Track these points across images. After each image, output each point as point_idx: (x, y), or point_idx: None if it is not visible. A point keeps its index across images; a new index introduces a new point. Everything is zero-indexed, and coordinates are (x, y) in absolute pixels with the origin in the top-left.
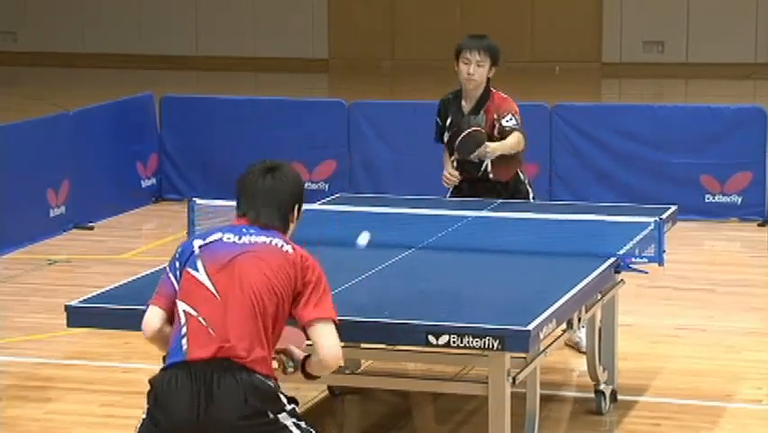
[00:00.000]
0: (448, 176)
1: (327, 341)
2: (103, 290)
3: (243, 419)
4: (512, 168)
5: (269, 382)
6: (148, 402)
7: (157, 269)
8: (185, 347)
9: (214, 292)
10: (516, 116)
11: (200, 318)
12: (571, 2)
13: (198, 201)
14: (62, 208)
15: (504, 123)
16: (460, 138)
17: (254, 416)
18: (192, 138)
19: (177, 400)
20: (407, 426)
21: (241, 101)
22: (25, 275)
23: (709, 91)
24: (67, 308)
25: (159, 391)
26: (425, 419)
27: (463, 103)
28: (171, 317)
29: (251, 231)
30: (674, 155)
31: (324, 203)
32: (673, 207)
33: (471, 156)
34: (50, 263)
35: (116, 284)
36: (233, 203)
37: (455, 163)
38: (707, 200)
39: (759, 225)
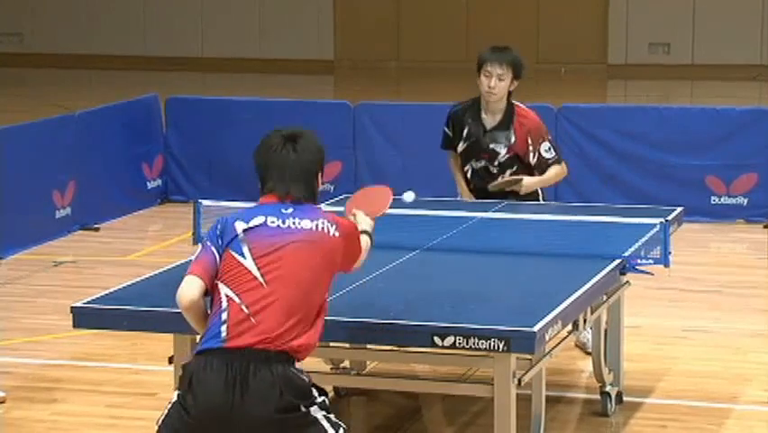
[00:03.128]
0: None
1: (357, 265)
2: (109, 291)
3: (277, 412)
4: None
5: (304, 377)
6: (180, 387)
7: (163, 270)
8: (224, 334)
9: (261, 281)
10: (552, 142)
11: (243, 306)
12: (577, 3)
13: (204, 202)
14: (68, 210)
15: (543, 153)
16: (497, 183)
17: (288, 410)
18: (197, 139)
19: (211, 386)
20: (413, 427)
21: (246, 102)
22: (31, 276)
23: (715, 93)
24: (73, 309)
25: (193, 376)
26: (430, 420)
27: (484, 115)
28: (208, 289)
29: (290, 211)
30: (680, 157)
31: (329, 204)
32: (679, 209)
33: (507, 189)
34: (56, 265)
35: (122, 285)
36: (239, 204)
37: (469, 172)
38: (712, 202)
39: (765, 226)
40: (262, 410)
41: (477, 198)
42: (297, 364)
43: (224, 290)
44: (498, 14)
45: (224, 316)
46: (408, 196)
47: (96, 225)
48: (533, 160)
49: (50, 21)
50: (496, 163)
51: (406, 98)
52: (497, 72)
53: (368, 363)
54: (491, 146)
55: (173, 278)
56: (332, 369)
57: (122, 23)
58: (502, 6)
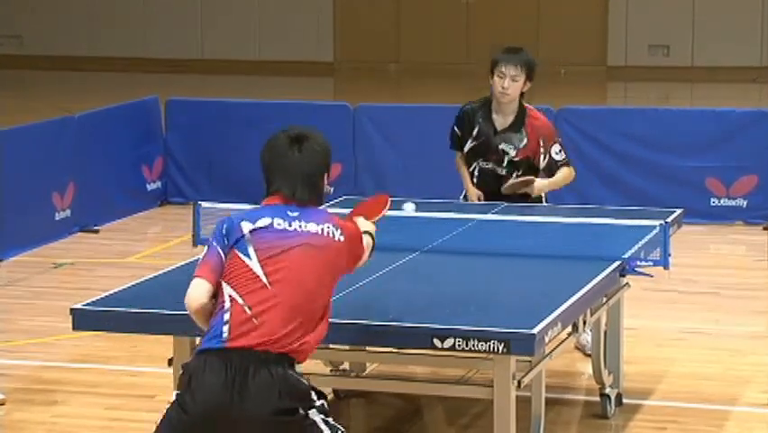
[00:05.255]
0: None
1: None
2: (108, 292)
3: (275, 414)
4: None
5: (303, 380)
6: (179, 387)
7: (162, 272)
8: (225, 334)
9: (265, 282)
10: (562, 145)
11: (245, 307)
12: (577, 5)
13: (204, 204)
14: (68, 212)
15: (554, 155)
16: (509, 184)
17: (286, 412)
18: (197, 141)
19: (209, 386)
20: (413, 429)
21: (246, 104)
22: (31, 278)
23: (715, 94)
24: (72, 311)
25: (192, 375)
26: (430, 422)
27: (494, 115)
28: (216, 291)
29: (296, 213)
30: (680, 158)
31: (329, 206)
32: (679, 211)
33: (519, 192)
34: (56, 267)
35: (122, 287)
36: (239, 206)
37: (476, 172)
38: (712, 204)
39: (764, 228)
40: (260, 411)
41: (484, 200)
42: (298, 367)
43: (227, 290)
44: (498, 16)
45: (227, 316)
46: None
47: (95, 227)
48: (543, 162)
49: (50, 23)
50: (504, 164)
51: (406, 100)
52: (511, 73)
53: (367, 364)
54: (501, 147)
55: (173, 280)
56: (331, 371)
57: (122, 24)
58: (502, 8)
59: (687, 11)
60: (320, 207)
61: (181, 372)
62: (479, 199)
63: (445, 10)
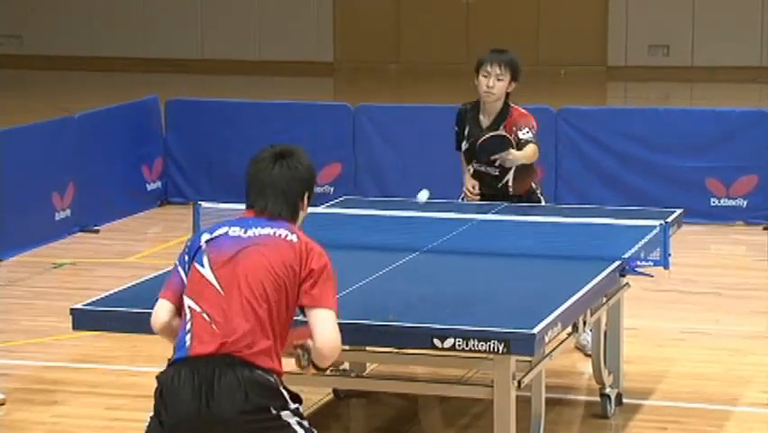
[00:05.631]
0: (469, 193)
1: (322, 328)
2: (108, 292)
3: (245, 414)
4: (528, 180)
5: (270, 378)
6: (154, 399)
7: (162, 272)
8: (188, 343)
9: (218, 288)
10: (533, 130)
11: (204, 314)
12: (577, 5)
13: (204, 204)
14: (68, 212)
15: (521, 135)
16: (483, 139)
17: (256, 411)
18: (197, 141)
19: (179, 396)
20: (413, 429)
21: (246, 104)
22: (31, 278)
23: (715, 94)
24: (72, 311)
25: (163, 387)
26: (430, 422)
27: (481, 116)
28: (180, 310)
29: (258, 223)
30: (680, 158)
31: (328, 206)
32: (679, 211)
33: (492, 157)
34: (56, 267)
35: (122, 287)
36: (239, 206)
37: (471, 170)
38: (712, 204)
39: (765, 228)
40: (229, 413)
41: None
42: (269, 365)
43: (187, 301)
44: (498, 16)
45: (189, 326)
46: (423, 195)
47: (95, 227)
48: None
49: (50, 23)
50: (496, 164)
51: (406, 100)
52: (495, 72)
53: (367, 364)
54: (477, 144)
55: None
56: (331, 371)
57: (121, 25)
58: (502, 8)
59: (687, 11)
60: (293, 224)
61: (156, 385)
62: (473, 188)
63: (445, 10)
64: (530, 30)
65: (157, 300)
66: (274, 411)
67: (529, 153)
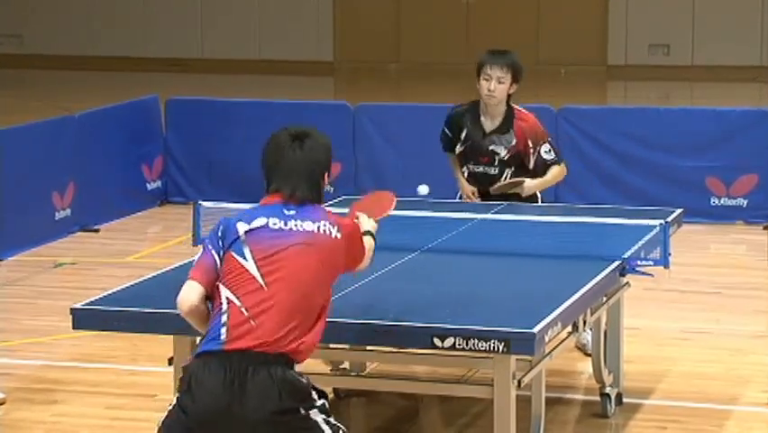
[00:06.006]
0: (468, 199)
1: (363, 265)
2: (108, 292)
3: (276, 414)
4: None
5: (303, 379)
6: (179, 389)
7: (162, 271)
8: (223, 336)
9: (262, 283)
10: (552, 144)
11: (243, 308)
12: (577, 5)
13: (204, 204)
14: (68, 211)
15: (544, 155)
16: (499, 185)
17: (287, 412)
18: (197, 141)
19: (209, 388)
20: (413, 429)
21: (246, 104)
22: (31, 278)
23: (715, 94)
24: (72, 310)
25: (192, 377)
26: (430, 421)
27: (483, 118)
28: (209, 293)
29: (293, 212)
30: (680, 158)
31: (328, 205)
32: (679, 210)
33: (511, 191)
34: (56, 266)
35: (122, 286)
36: (239, 205)
37: (466, 173)
38: (712, 203)
39: (765, 227)
40: (260, 412)
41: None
42: (298, 367)
43: (224, 292)
44: (498, 16)
45: (224, 318)
46: (423, 189)
47: (95, 227)
48: (532, 161)
49: (50, 22)
50: (495, 164)
51: (406, 99)
52: (496, 75)
53: (368, 364)
54: (491, 148)
55: (173, 279)
56: (332, 370)
57: (121, 24)
58: (502, 8)
59: (687, 10)
60: (320, 205)
61: (181, 374)
62: (473, 194)
63: (445, 10)
64: (530, 30)
65: (186, 281)
66: (303, 412)
67: (550, 179)
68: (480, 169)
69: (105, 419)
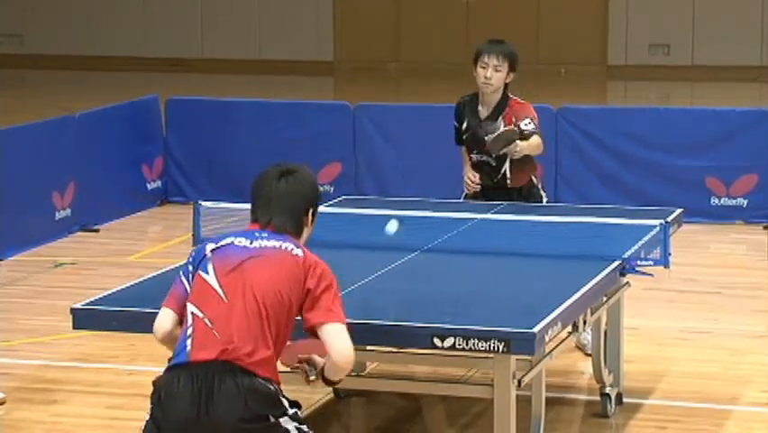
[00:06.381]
0: (470, 182)
1: (338, 343)
2: (108, 292)
3: (244, 421)
4: (527, 173)
5: (271, 386)
6: (151, 402)
7: (162, 271)
8: (188, 348)
9: (222, 295)
10: (535, 120)
11: (206, 320)
12: (577, 4)
13: (204, 204)
14: (68, 211)
15: (523, 126)
16: (494, 135)
17: (255, 420)
18: (197, 141)
19: (178, 400)
20: (413, 429)
21: (246, 104)
22: (31, 278)
23: (715, 94)
24: (72, 310)
25: (161, 391)
26: (430, 421)
27: (480, 108)
28: (182, 319)
29: (264, 235)
30: (680, 158)
31: (328, 205)
32: (679, 210)
33: (501, 152)
34: (56, 266)
35: (122, 287)
36: (239, 205)
37: (472, 160)
38: (712, 203)
39: (765, 227)
40: (227, 420)
41: (482, 194)
42: (268, 374)
43: (190, 308)
44: (498, 15)
45: (190, 331)
46: (392, 225)
47: (95, 227)
48: None
49: (50, 22)
50: (494, 156)
51: (406, 99)
52: (493, 63)
53: (368, 364)
54: (486, 137)
55: (173, 279)
56: None
57: (122, 24)
58: (502, 7)
59: (687, 10)
60: (296, 238)
61: (152, 388)
62: (474, 177)
63: (445, 10)
64: (530, 30)
65: (160, 309)
66: (273, 419)
67: (534, 144)
68: (483, 158)
69: (104, 419)
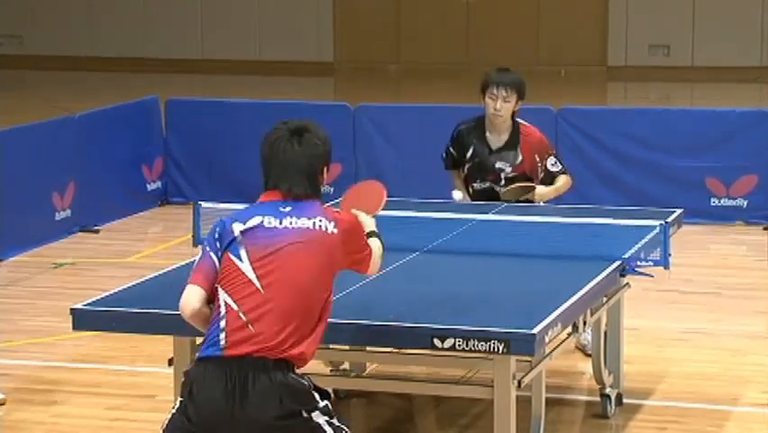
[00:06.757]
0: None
1: (372, 269)
2: (108, 293)
3: (278, 419)
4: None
5: (304, 381)
6: (182, 395)
7: (162, 272)
8: (222, 342)
9: (258, 286)
10: (558, 156)
11: (240, 313)
12: (577, 5)
13: (204, 204)
14: (68, 212)
15: (550, 167)
16: (509, 188)
17: (289, 416)
18: (197, 141)
19: (210, 395)
20: (413, 429)
21: (246, 104)
22: (31, 278)
23: (715, 95)
24: (72, 311)
25: (193, 384)
26: (430, 422)
27: (488, 135)
28: (210, 295)
29: (289, 209)
30: (680, 158)
31: (329, 206)
32: (679, 211)
33: (522, 198)
34: (56, 267)
35: (122, 287)
36: (239, 205)
37: (470, 190)
38: (712, 204)
39: (765, 228)
40: (262, 417)
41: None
42: (300, 369)
43: (222, 295)
44: (498, 16)
45: (223, 323)
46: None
47: (95, 227)
48: (540, 174)
49: (50, 23)
50: (501, 182)
51: (406, 100)
52: (502, 95)
53: (367, 365)
54: (498, 165)
55: (173, 280)
56: (331, 371)
57: (122, 25)
58: (502, 8)
59: (687, 11)
60: (317, 201)
61: (183, 379)
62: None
63: (445, 10)
64: (530, 29)
65: (187, 285)
66: (305, 414)
67: (560, 186)
68: (487, 184)
69: (104, 419)
